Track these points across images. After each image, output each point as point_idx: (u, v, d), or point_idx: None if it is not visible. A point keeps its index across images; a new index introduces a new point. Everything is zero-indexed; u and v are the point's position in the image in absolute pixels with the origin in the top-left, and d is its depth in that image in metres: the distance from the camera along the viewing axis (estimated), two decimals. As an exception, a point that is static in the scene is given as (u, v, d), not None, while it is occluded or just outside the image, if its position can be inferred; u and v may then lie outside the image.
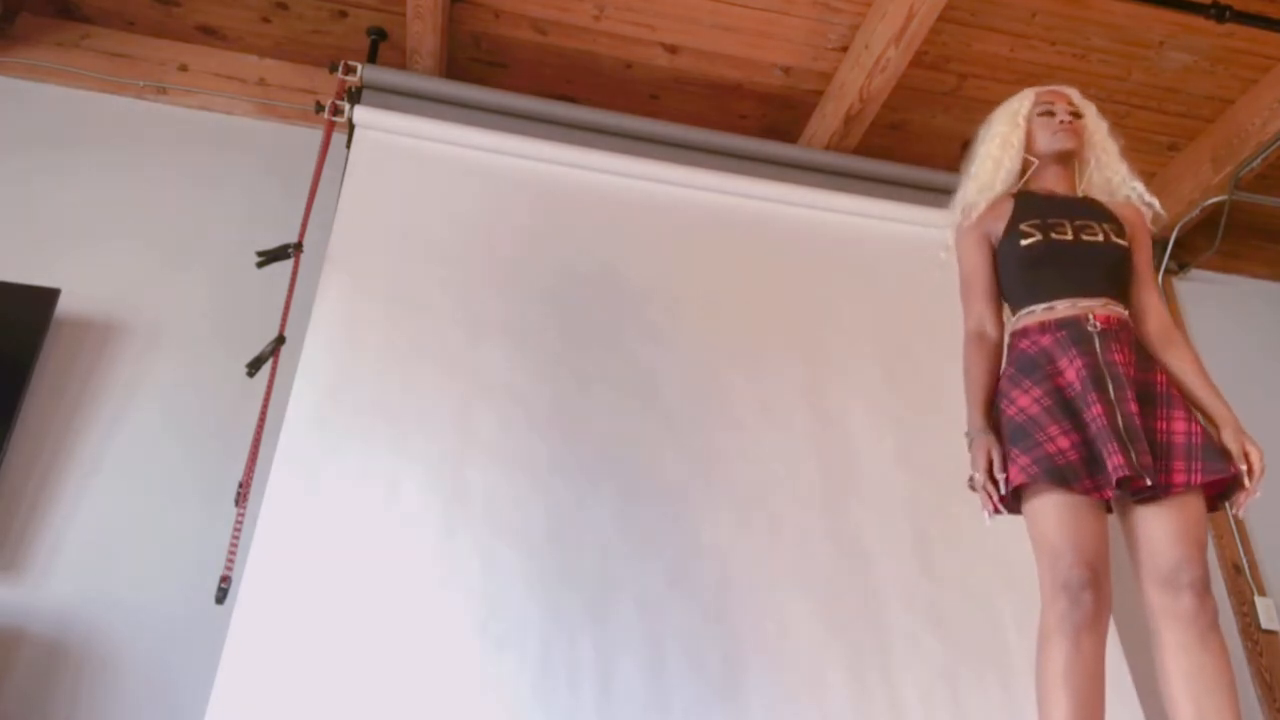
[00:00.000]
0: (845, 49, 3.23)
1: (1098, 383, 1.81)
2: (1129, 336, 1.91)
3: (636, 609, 2.36)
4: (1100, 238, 1.97)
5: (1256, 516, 3.43)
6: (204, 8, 3.20)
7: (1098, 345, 1.86)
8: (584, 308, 2.81)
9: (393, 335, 2.60)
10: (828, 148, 3.42)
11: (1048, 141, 2.11)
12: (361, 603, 2.21)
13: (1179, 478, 1.76)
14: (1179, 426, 1.81)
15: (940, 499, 2.71)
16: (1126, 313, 1.96)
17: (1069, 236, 1.97)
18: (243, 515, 2.34)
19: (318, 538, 2.26)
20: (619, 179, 3.10)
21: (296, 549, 2.24)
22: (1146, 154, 3.63)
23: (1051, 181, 2.12)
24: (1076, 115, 2.14)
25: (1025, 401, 1.85)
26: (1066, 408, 1.82)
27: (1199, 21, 3.04)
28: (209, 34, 3.29)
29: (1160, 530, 1.76)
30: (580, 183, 3.06)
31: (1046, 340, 1.91)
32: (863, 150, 3.47)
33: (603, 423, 2.61)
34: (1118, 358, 1.84)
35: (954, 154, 3.60)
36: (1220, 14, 2.99)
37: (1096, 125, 2.18)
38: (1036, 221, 2.01)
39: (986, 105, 2.32)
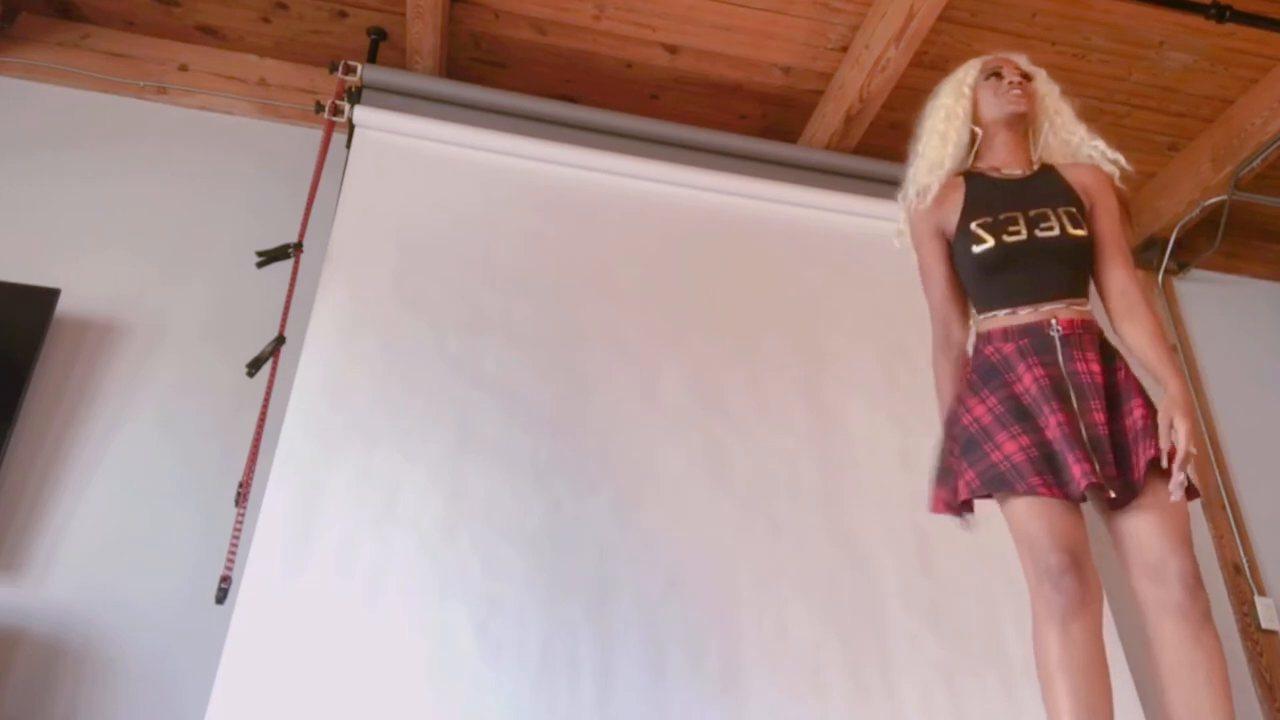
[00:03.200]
0: (845, 49, 3.23)
1: (1059, 392, 1.76)
2: (1093, 338, 1.85)
3: (636, 609, 2.36)
4: (1056, 231, 1.88)
5: (1256, 516, 3.42)
6: (204, 8, 3.20)
7: (1060, 354, 1.81)
8: (584, 307, 2.81)
9: (393, 335, 2.60)
10: (828, 148, 3.43)
11: (996, 107, 2.00)
12: (361, 602, 2.22)
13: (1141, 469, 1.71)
14: (1138, 414, 1.75)
15: (940, 499, 2.71)
16: (1090, 309, 1.88)
17: (1023, 235, 1.88)
18: (243, 515, 2.34)
19: (317, 537, 2.26)
20: (619, 179, 3.10)
21: (296, 549, 2.24)
22: (1146, 154, 3.63)
23: (1004, 152, 2.01)
24: (1026, 78, 2.04)
25: (980, 410, 1.83)
26: (1020, 413, 1.78)
27: (1199, 21, 3.04)
28: (209, 34, 3.29)
29: (1141, 525, 1.72)
30: (580, 183, 3.06)
31: (1009, 348, 1.85)
32: (863, 150, 3.46)
33: (603, 423, 2.61)
34: (1080, 366, 1.79)
35: (954, 154, 3.60)
36: (1220, 14, 2.99)
37: (1048, 88, 2.07)
38: (988, 219, 1.92)
39: (986, 105, 2.32)
